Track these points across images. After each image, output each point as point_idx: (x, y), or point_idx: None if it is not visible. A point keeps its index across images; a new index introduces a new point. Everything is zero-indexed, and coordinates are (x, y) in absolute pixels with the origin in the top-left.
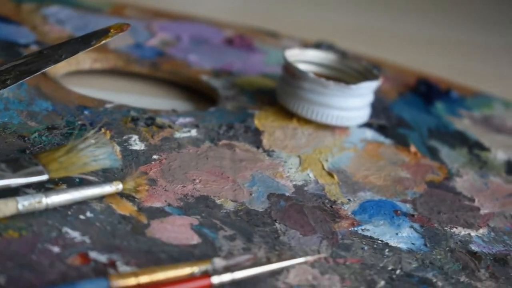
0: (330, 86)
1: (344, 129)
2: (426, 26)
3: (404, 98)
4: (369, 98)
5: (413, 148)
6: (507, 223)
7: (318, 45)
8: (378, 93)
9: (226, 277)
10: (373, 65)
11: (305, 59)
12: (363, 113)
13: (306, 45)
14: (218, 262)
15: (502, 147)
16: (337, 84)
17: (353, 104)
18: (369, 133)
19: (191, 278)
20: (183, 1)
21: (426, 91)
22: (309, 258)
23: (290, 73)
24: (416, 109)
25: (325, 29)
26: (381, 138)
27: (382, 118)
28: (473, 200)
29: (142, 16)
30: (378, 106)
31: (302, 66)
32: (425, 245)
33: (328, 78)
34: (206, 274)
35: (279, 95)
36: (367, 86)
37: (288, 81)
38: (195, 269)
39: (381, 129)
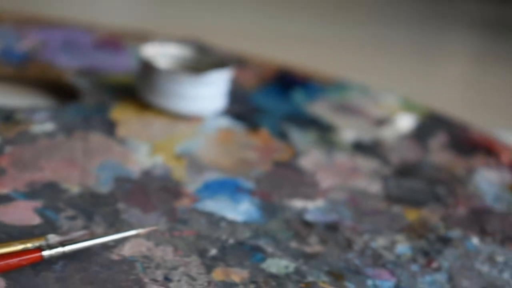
0: (180, 77)
1: (199, 118)
2: (295, 21)
3: (264, 88)
4: (222, 87)
5: (263, 132)
6: (345, 195)
7: (179, 40)
8: (237, 83)
9: (58, 250)
10: (233, 57)
11: (164, 53)
12: (218, 102)
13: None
14: (52, 238)
15: (352, 127)
16: (186, 74)
17: (205, 93)
18: (224, 121)
19: (21, 252)
20: (55, 4)
21: (285, 81)
22: (141, 231)
23: (145, 66)
24: (274, 97)
25: (206, 29)
26: (235, 125)
27: (240, 107)
28: (315, 176)
29: (14, 21)
30: (237, 95)
31: (161, 60)
32: (262, 217)
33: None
34: (37, 249)
35: (137, 88)
36: (217, 75)
37: (144, 75)
38: (28, 245)
39: (236, 117)
